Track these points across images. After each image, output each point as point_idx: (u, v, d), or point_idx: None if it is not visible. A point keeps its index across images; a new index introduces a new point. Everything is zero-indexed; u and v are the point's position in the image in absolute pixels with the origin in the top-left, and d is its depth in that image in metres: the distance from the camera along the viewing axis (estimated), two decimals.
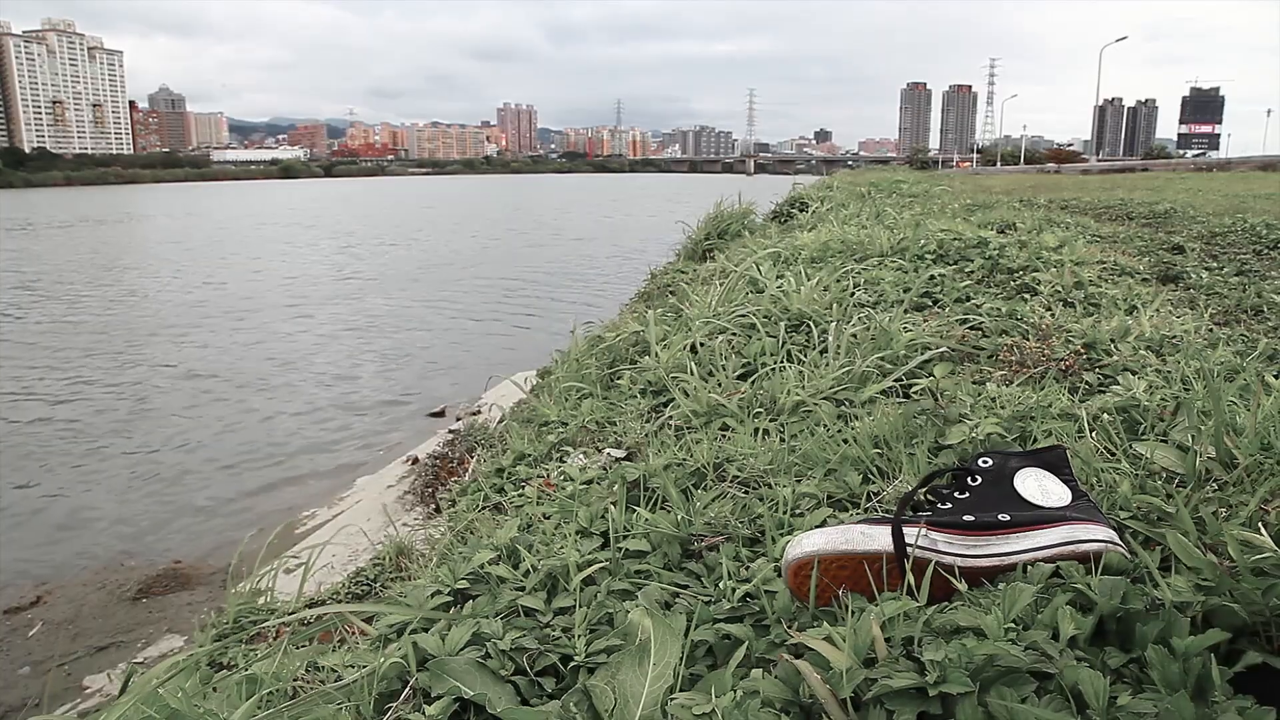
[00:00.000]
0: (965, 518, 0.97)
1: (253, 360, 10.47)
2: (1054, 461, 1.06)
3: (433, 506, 4.59)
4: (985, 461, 1.04)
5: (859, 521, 1.01)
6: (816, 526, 1.18)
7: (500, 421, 5.46)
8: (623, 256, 18.35)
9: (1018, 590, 0.83)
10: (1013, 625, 0.80)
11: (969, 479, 1.04)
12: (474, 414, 7.60)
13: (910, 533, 0.96)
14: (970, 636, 0.78)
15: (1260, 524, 1.10)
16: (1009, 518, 0.96)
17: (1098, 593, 0.84)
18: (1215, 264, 4.34)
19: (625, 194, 65.97)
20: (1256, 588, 0.89)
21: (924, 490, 1.09)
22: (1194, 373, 1.92)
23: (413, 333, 11.82)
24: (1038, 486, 1.02)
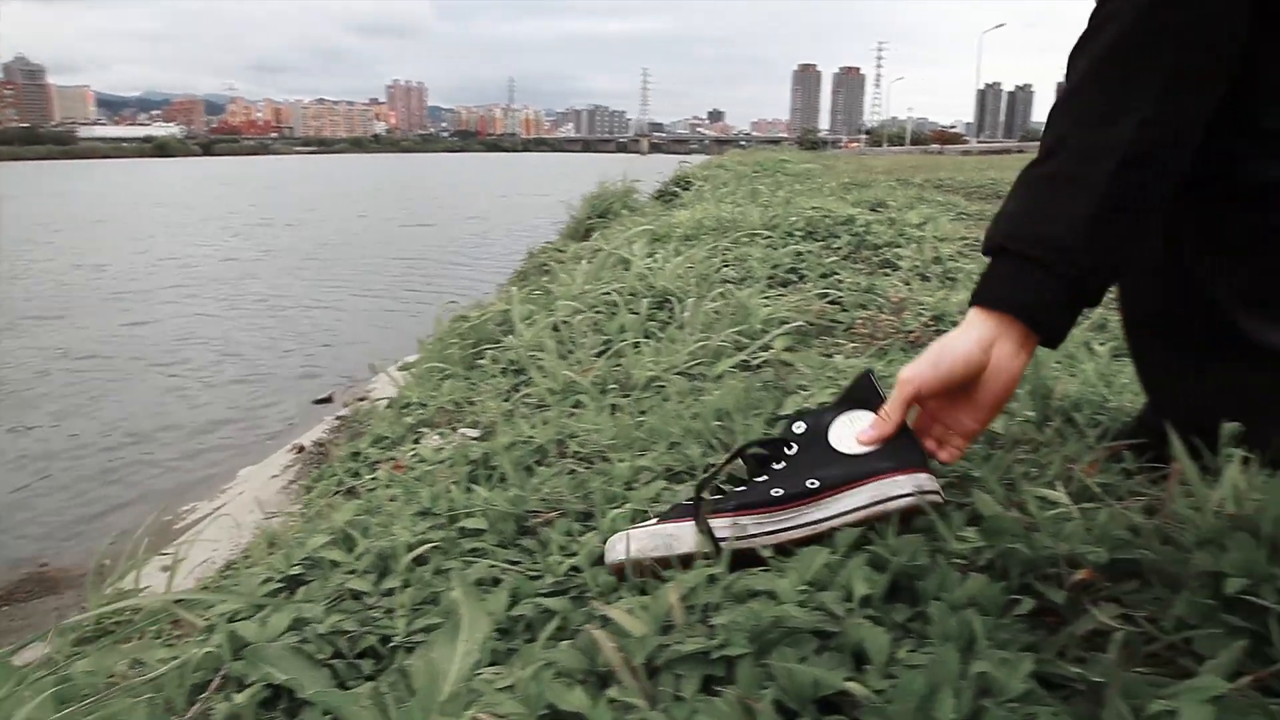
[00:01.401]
0: (774, 492, 0.95)
1: (132, 344, 9.98)
2: (864, 396, 1.02)
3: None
4: (799, 427, 1.02)
5: (669, 515, 1.00)
6: (648, 503, 1.20)
7: (388, 405, 5.34)
8: (518, 234, 18.15)
9: (814, 553, 0.86)
10: (808, 587, 0.82)
11: (786, 448, 1.02)
12: (361, 399, 7.42)
13: (721, 524, 0.95)
14: (764, 600, 0.80)
15: (1063, 480, 1.16)
16: (817, 483, 0.95)
17: (891, 552, 0.87)
18: None
19: (519, 173, 65.25)
20: (1049, 534, 0.94)
21: (751, 453, 1.06)
22: None
23: (301, 316, 11.44)
24: (852, 433, 0.99)
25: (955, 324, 2.13)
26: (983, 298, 0.90)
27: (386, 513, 1.41)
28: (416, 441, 1.94)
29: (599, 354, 2.15)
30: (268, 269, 15.44)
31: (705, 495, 0.99)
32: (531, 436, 1.52)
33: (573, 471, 1.34)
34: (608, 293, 2.46)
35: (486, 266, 14.39)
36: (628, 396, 1.80)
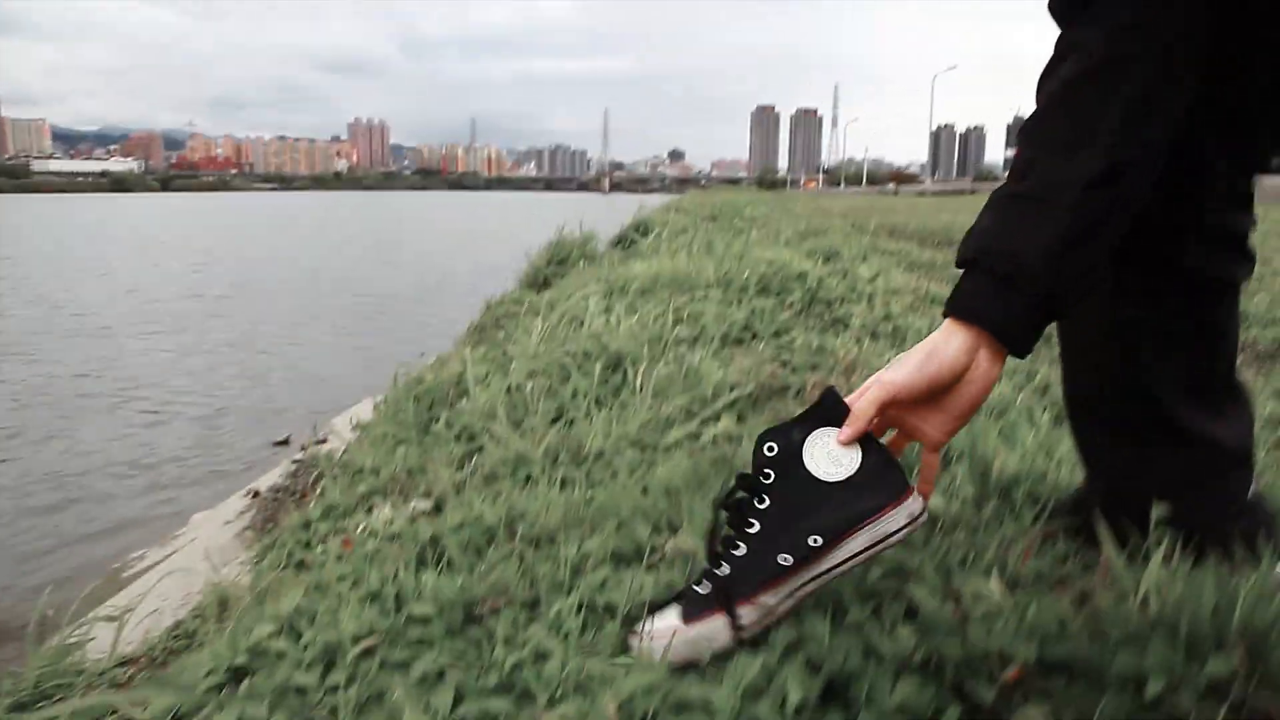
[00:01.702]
0: (781, 560, 0.96)
1: (86, 383, 9.77)
2: (830, 414, 1.01)
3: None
4: (771, 449, 1.00)
5: (691, 610, 1.00)
6: (594, 590, 1.21)
7: (344, 452, 5.29)
8: (481, 275, 18.13)
9: (749, 660, 0.88)
10: (744, 694, 0.84)
11: (763, 477, 1.01)
12: (320, 442, 7.33)
13: (747, 610, 0.96)
14: (700, 715, 0.81)
15: (999, 567, 1.19)
16: (819, 540, 0.95)
17: (826, 653, 0.89)
18: None
19: (482, 213, 65.25)
20: (981, 629, 0.97)
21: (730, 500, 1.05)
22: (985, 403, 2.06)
23: (261, 356, 11.28)
24: (827, 457, 0.99)
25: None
26: (958, 309, 0.93)
27: (335, 594, 1.40)
28: (369, 511, 1.94)
29: (553, 420, 2.16)
30: (228, 305, 15.26)
31: (721, 572, 1.00)
32: (482, 515, 1.52)
33: (521, 557, 1.34)
34: (564, 355, 2.48)
35: (450, 304, 14.33)
36: (580, 467, 1.81)
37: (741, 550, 1.00)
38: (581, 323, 2.96)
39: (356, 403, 7.38)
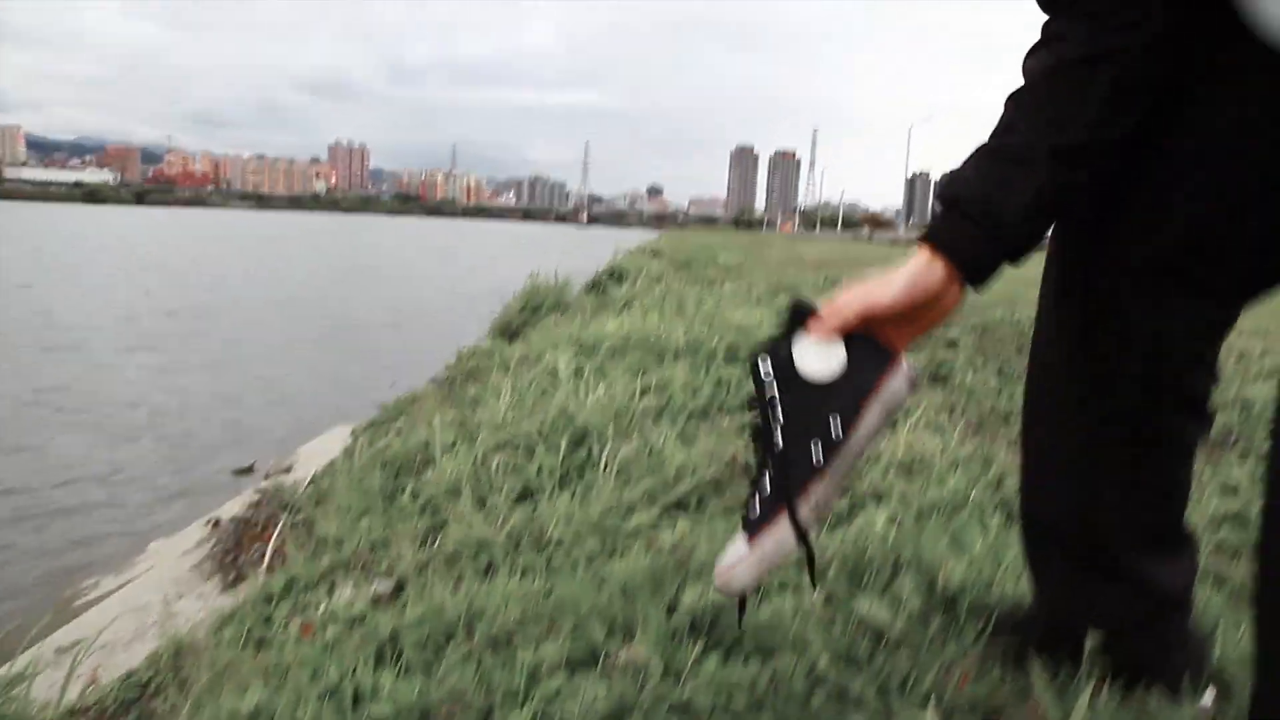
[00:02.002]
0: (814, 458, 1.01)
1: (45, 401, 9.63)
2: (805, 318, 1.05)
3: (232, 575, 4.38)
4: (766, 367, 1.05)
5: (754, 528, 1.04)
6: (546, 701, 1.24)
7: (309, 484, 5.30)
8: (458, 304, 18.10)
9: None
10: None
11: (768, 394, 1.05)
12: (285, 470, 7.26)
13: (803, 509, 1.01)
14: None
15: (934, 696, 1.24)
16: (840, 428, 1.01)
17: None
18: (982, 359, 4.77)
19: (461, 241, 65.23)
20: None
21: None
22: (930, 504, 2.12)
23: (232, 376, 11.14)
24: (816, 356, 1.03)
25: (857, 480, 2.22)
26: (942, 246, 1.01)
27: (294, 688, 1.42)
28: (330, 589, 1.96)
29: (517, 498, 2.19)
30: (195, 329, 15.11)
31: (765, 489, 1.03)
32: (442, 607, 1.55)
33: (479, 660, 1.38)
34: (531, 426, 2.52)
35: (423, 333, 14.30)
36: (541, 553, 1.85)
37: (775, 463, 1.04)
38: (550, 390, 3.00)
39: (326, 430, 7.33)
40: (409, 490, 2.35)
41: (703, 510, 2.09)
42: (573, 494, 2.15)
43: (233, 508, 6.76)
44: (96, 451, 8.00)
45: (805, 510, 1.01)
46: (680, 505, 2.11)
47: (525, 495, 2.19)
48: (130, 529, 6.58)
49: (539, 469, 2.29)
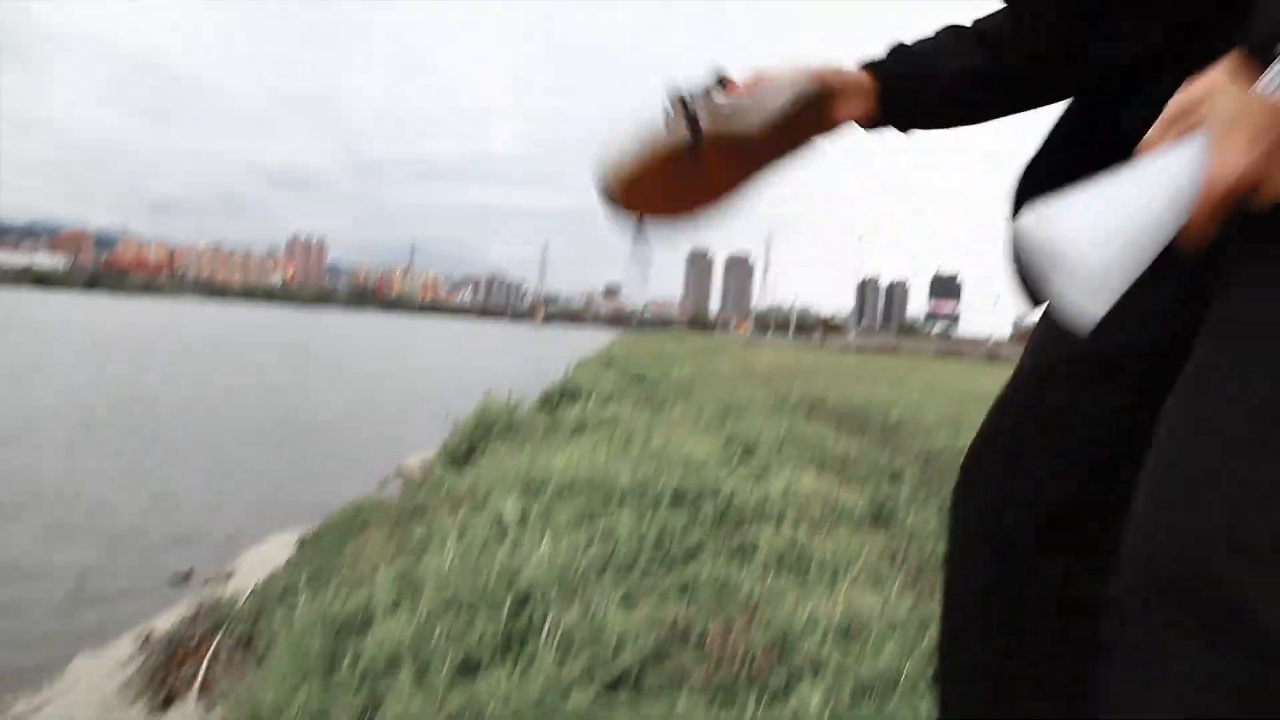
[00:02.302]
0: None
1: None
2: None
3: (162, 696, 4.24)
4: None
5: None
6: None
7: (250, 594, 5.18)
8: (411, 405, 18.00)
9: None
10: None
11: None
12: (227, 576, 7.06)
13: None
14: None
15: None
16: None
17: None
18: (925, 492, 4.88)
19: (415, 341, 65.18)
20: None
21: None
22: (866, 680, 2.16)
23: (168, 478, 10.84)
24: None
25: (794, 649, 2.25)
26: (878, 73, 1.13)
27: None
28: None
29: (459, 668, 2.19)
30: (134, 426, 14.77)
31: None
32: None
33: None
34: (474, 589, 2.53)
35: (371, 436, 14.17)
36: None
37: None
38: (494, 541, 3.02)
39: (270, 535, 7.18)
40: (349, 655, 2.33)
41: (641, 688, 2.10)
42: (514, 664, 2.15)
43: (167, 620, 6.54)
44: (31, 548, 7.69)
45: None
46: (621, 680, 2.13)
47: (466, 665, 2.19)
48: (58, 634, 6.28)
49: (480, 636, 2.29)
